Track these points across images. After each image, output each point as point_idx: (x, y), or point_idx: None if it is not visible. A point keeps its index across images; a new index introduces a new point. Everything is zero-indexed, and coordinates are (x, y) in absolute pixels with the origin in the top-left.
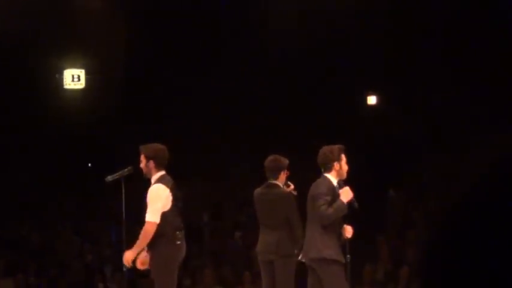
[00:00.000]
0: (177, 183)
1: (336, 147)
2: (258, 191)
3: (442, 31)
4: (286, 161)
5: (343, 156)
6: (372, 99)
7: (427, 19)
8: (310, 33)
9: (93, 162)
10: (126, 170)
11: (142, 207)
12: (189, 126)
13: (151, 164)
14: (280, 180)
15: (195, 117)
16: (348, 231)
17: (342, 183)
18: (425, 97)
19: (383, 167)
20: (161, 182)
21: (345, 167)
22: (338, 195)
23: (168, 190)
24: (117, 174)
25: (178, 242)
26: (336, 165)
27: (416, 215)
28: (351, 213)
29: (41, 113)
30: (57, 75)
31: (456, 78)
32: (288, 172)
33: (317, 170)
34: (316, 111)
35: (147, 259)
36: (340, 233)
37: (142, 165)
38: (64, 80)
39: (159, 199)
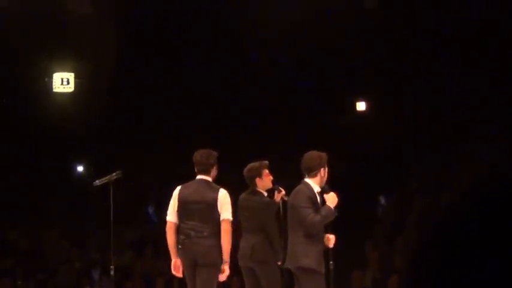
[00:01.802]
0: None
1: (324, 154)
2: (242, 196)
3: (434, 37)
4: (262, 166)
5: (326, 165)
6: (361, 105)
7: (418, 23)
8: (299, 38)
9: (82, 166)
10: (114, 174)
11: (130, 211)
12: (178, 131)
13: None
14: (261, 186)
15: (185, 122)
16: (331, 241)
17: (328, 188)
18: (415, 102)
19: (372, 173)
20: (182, 184)
21: (326, 176)
22: (318, 202)
23: (177, 191)
24: (106, 178)
25: (180, 246)
26: (322, 171)
27: (406, 222)
28: (332, 221)
29: (30, 116)
30: (46, 79)
31: (447, 86)
32: (270, 174)
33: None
34: (306, 117)
35: (177, 264)
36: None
37: None
38: (53, 83)
39: (171, 199)
